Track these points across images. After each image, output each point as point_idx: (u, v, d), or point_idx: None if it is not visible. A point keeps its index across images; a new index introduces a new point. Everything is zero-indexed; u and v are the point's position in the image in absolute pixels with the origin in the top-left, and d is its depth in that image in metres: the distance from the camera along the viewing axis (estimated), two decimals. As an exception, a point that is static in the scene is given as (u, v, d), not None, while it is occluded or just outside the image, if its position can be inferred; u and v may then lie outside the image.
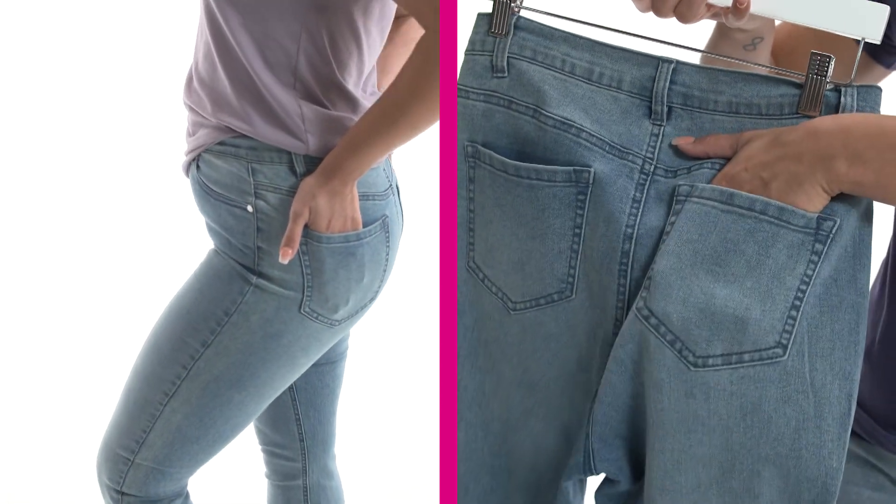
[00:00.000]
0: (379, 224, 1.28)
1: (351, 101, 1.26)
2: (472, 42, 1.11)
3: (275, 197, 1.23)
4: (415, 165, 2.45)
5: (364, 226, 1.26)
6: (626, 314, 1.03)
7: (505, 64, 1.08)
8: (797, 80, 0.98)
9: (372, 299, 1.33)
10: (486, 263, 1.12)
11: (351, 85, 1.26)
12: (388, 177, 1.32)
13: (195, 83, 1.28)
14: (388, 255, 1.31)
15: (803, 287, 0.94)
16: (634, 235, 1.01)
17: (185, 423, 1.28)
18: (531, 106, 1.06)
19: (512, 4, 1.08)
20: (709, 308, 0.95)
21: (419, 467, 2.52)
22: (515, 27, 1.08)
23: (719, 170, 1.00)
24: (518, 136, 1.08)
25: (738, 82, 1.00)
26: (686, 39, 1.11)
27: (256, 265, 1.25)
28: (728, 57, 1.11)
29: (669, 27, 1.08)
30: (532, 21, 1.09)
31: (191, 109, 1.29)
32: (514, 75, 1.08)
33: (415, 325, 2.80)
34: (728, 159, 1.00)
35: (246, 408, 1.31)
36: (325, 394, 1.53)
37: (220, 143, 1.25)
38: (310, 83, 1.23)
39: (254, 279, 1.25)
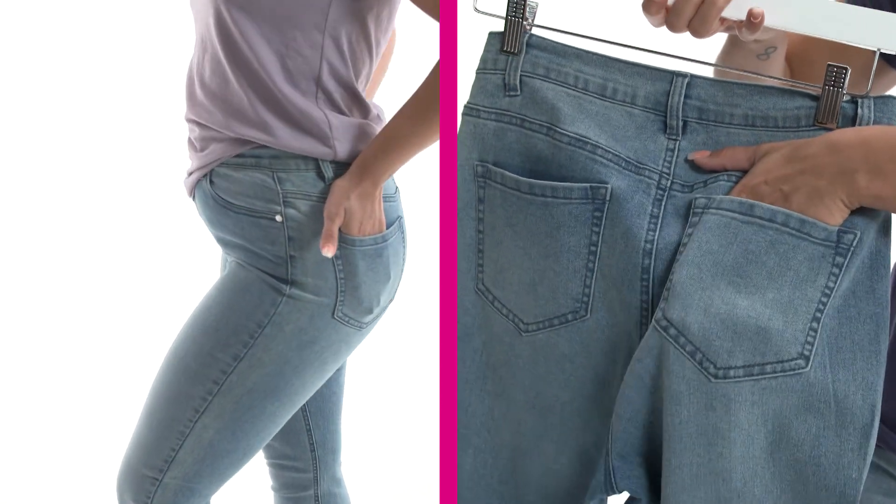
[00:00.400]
0: (396, 224, 1.31)
1: (364, 107, 1.29)
2: (483, 60, 1.10)
3: (305, 204, 1.24)
4: (415, 168, 2.46)
5: (386, 227, 1.28)
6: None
7: (517, 82, 1.08)
8: (813, 93, 0.97)
9: (391, 299, 1.34)
10: (496, 285, 1.10)
11: (362, 91, 1.29)
12: (393, 178, 1.35)
13: (202, 98, 1.27)
14: (404, 254, 1.34)
15: (824, 299, 0.93)
16: (654, 251, 1.00)
17: (217, 438, 1.27)
18: (545, 124, 1.06)
19: (524, 23, 1.08)
20: (730, 319, 0.94)
21: (419, 469, 2.51)
22: (527, 45, 1.08)
23: (736, 182, 0.99)
24: (531, 154, 1.07)
25: (753, 95, 0.99)
26: (696, 53, 1.11)
27: (289, 274, 1.25)
28: (741, 68, 1.11)
29: (680, 41, 1.07)
30: (544, 38, 1.08)
31: (199, 125, 1.29)
32: (527, 93, 1.07)
33: (415, 329, 2.79)
34: (745, 172, 0.99)
35: (277, 417, 1.31)
36: (333, 401, 1.52)
37: (238, 156, 1.25)
38: (331, 91, 1.25)
39: (286, 289, 1.24)
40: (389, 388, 2.76)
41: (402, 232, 1.33)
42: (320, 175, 1.24)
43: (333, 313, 1.26)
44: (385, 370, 2.76)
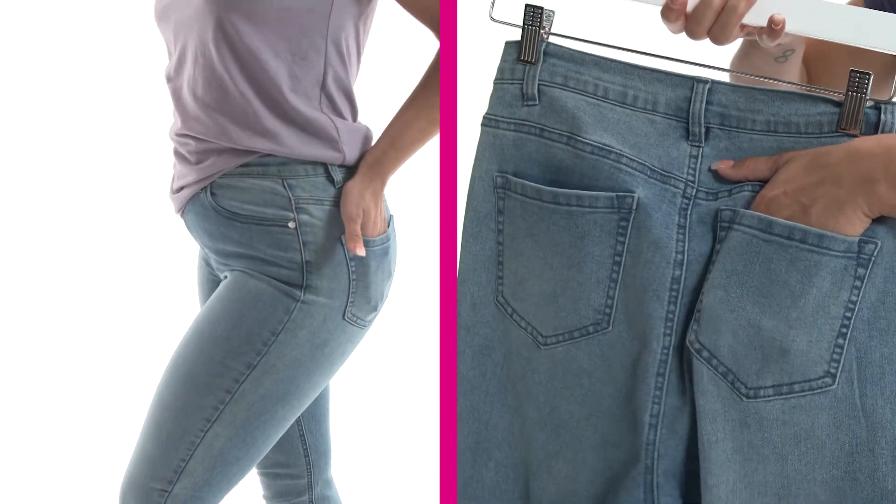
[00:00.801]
0: (391, 221, 1.33)
1: (355, 110, 1.32)
2: (500, 70, 1.10)
3: (318, 209, 1.25)
4: (415, 168, 2.45)
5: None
6: (676, 341, 1.02)
7: (536, 92, 1.07)
8: (836, 98, 0.97)
9: (388, 295, 1.38)
10: (516, 297, 1.10)
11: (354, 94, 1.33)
12: None
13: (197, 112, 1.26)
14: (397, 250, 1.37)
15: (848, 314, 0.93)
16: (684, 262, 1.00)
17: (228, 446, 1.27)
18: (565, 133, 1.05)
19: (541, 31, 1.07)
20: (757, 341, 0.95)
21: (419, 469, 2.52)
22: (545, 54, 1.07)
23: (759, 191, 0.99)
24: (551, 164, 1.06)
25: (775, 101, 0.99)
26: (712, 58, 1.10)
27: (304, 280, 1.25)
28: (759, 70, 1.11)
29: (696, 47, 1.07)
30: (561, 47, 1.08)
31: (194, 139, 1.28)
32: (546, 103, 1.07)
33: (415, 329, 2.80)
34: (767, 180, 0.99)
35: (286, 422, 1.32)
36: (322, 404, 1.52)
37: (244, 165, 1.25)
38: (333, 96, 1.27)
39: (300, 295, 1.25)
40: (389, 388, 2.76)
41: (394, 229, 1.36)
42: (330, 179, 1.25)
43: (344, 315, 1.28)
44: (385, 370, 2.76)
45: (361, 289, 1.28)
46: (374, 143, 1.30)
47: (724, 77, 1.11)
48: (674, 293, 1.01)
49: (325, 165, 1.25)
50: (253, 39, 1.21)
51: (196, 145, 1.29)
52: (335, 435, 1.55)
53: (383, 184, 1.26)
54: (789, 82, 1.04)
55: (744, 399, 0.95)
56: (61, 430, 2.66)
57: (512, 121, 1.08)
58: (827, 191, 0.92)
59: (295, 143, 1.23)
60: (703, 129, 1.01)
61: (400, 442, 2.66)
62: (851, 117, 0.96)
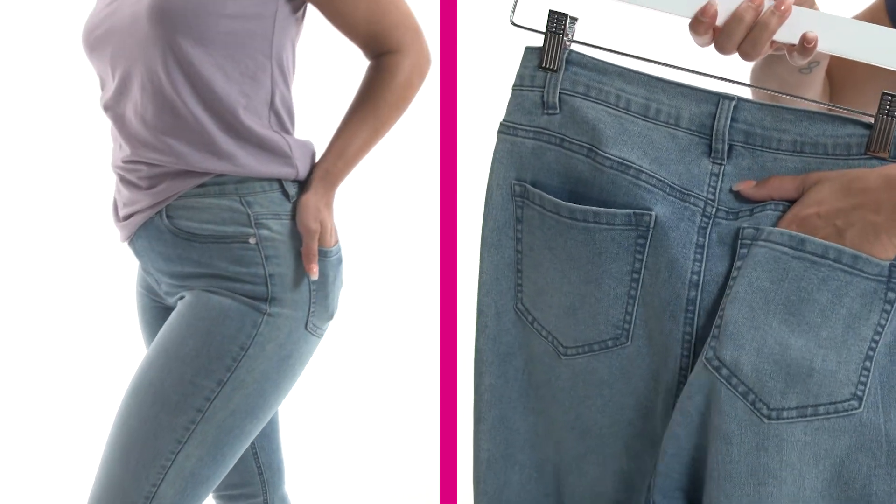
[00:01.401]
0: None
1: (294, 124, 1.36)
2: (520, 77, 1.07)
3: (277, 223, 1.29)
4: (416, 168, 2.43)
5: None
6: (692, 362, 1.00)
7: (557, 100, 1.05)
8: (866, 120, 0.95)
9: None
10: (535, 306, 1.08)
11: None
12: None
13: (148, 138, 1.27)
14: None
15: (877, 337, 0.92)
16: (700, 282, 0.98)
17: (199, 466, 1.27)
18: (585, 145, 1.03)
19: (564, 39, 1.04)
20: (784, 360, 0.92)
21: (419, 469, 2.51)
22: (567, 61, 1.05)
23: (783, 211, 0.97)
24: (571, 175, 1.04)
25: (802, 120, 0.97)
26: (736, 73, 1.08)
27: (269, 293, 1.28)
28: (782, 79, 1.08)
29: (720, 60, 1.05)
30: (584, 55, 1.05)
31: (146, 165, 1.29)
32: (567, 112, 1.04)
33: (415, 328, 2.78)
34: (791, 201, 0.97)
35: (252, 435, 1.33)
36: (273, 422, 1.53)
37: (200, 186, 1.27)
38: (281, 114, 1.31)
39: (266, 308, 1.27)
40: (389, 388, 2.74)
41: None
42: (285, 194, 1.30)
43: (306, 325, 1.31)
44: (385, 370, 2.74)
45: (321, 298, 1.32)
46: (319, 156, 1.34)
47: (747, 92, 1.08)
48: (689, 314, 0.99)
49: (279, 181, 1.29)
50: (203, 62, 1.24)
51: (148, 170, 1.29)
52: (336, 436, 1.53)
53: (333, 196, 1.32)
54: (816, 101, 1.02)
55: (764, 420, 0.93)
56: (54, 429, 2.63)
57: (531, 129, 1.06)
58: (863, 216, 0.91)
59: (251, 163, 1.27)
60: (726, 147, 0.99)
61: (400, 442, 2.64)
62: (881, 140, 0.94)
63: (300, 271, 1.29)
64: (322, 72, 2.16)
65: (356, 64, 1.40)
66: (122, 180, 1.34)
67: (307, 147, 1.34)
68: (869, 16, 1.17)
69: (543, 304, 1.07)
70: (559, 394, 1.09)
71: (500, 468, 1.13)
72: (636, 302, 1.02)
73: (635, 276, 1.01)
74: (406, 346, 2.78)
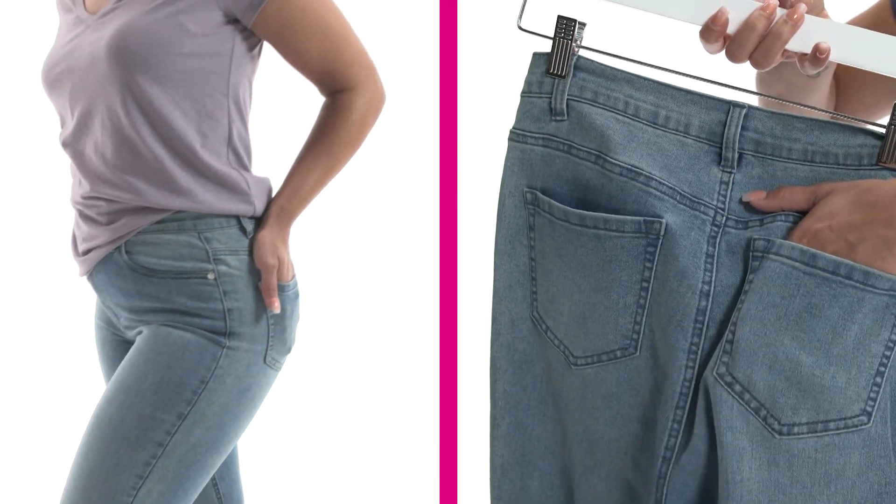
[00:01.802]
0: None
1: (251, 161, 1.38)
2: (528, 83, 1.06)
3: (234, 259, 1.30)
4: (416, 168, 2.42)
5: None
6: (697, 374, 0.99)
7: (564, 107, 1.04)
8: (878, 131, 0.94)
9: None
10: (549, 314, 1.08)
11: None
12: None
13: (108, 175, 1.28)
14: None
15: (888, 353, 0.92)
16: (711, 293, 0.97)
17: (161, 500, 1.27)
18: (593, 151, 1.02)
19: (573, 44, 1.03)
20: (795, 376, 0.92)
21: (419, 469, 2.50)
22: (575, 67, 1.04)
23: (794, 222, 0.96)
24: (580, 182, 1.03)
25: (814, 130, 0.96)
26: (742, 81, 1.07)
27: (228, 327, 1.29)
28: (789, 84, 1.08)
29: (730, 67, 1.04)
30: (592, 61, 1.04)
31: (105, 201, 1.30)
32: (575, 118, 1.03)
33: (415, 328, 2.78)
34: (802, 211, 0.96)
35: (213, 468, 1.33)
36: (233, 451, 1.53)
37: (159, 222, 1.28)
38: (238, 150, 1.33)
39: (225, 342, 1.29)
40: (389, 388, 2.74)
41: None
42: (243, 230, 1.32)
43: (265, 359, 1.33)
44: (386, 372, 2.73)
45: (279, 332, 1.33)
46: (275, 192, 1.36)
47: (755, 100, 1.08)
48: (698, 325, 0.98)
49: (237, 218, 1.31)
50: (161, 101, 1.25)
51: (107, 206, 1.30)
52: (337, 438, 1.53)
53: (289, 231, 1.34)
54: (825, 111, 1.01)
55: (776, 436, 0.93)
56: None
57: (540, 136, 1.05)
58: (876, 231, 0.90)
59: (210, 199, 1.29)
60: (736, 155, 0.98)
61: (400, 443, 2.63)
62: (893, 151, 0.93)
63: (258, 306, 1.31)
64: (280, 107, 2.17)
65: (314, 100, 1.42)
66: (82, 215, 1.35)
67: (264, 184, 1.36)
68: (873, 14, 1.16)
69: (555, 312, 1.07)
70: (571, 404, 1.09)
71: (515, 474, 1.13)
72: (645, 311, 1.01)
73: (645, 284, 1.00)
74: (406, 347, 2.77)
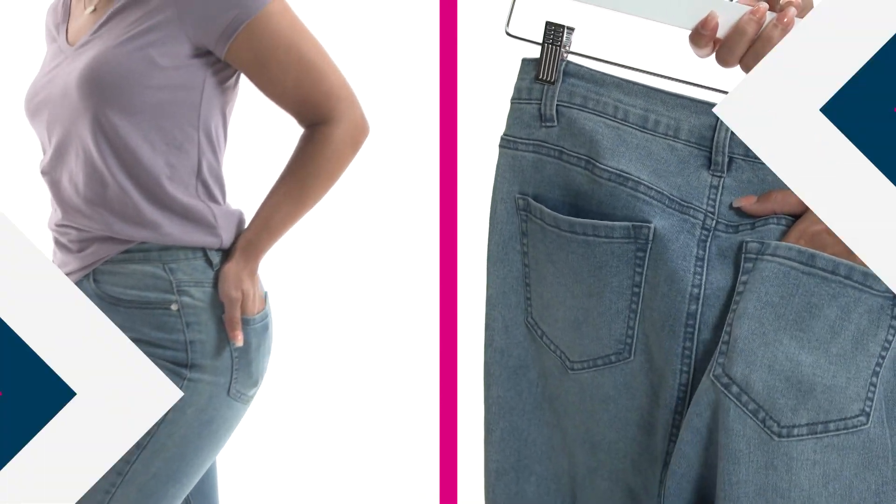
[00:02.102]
0: (266, 297, 1.37)
1: (225, 192, 1.36)
2: (517, 90, 1.06)
3: (199, 290, 1.29)
4: (416, 169, 2.42)
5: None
6: (693, 377, 0.99)
7: (554, 112, 1.04)
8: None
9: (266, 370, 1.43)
10: (543, 320, 1.08)
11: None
12: None
13: (79, 205, 1.29)
14: (273, 326, 1.41)
15: (884, 353, 0.92)
16: (701, 296, 0.97)
17: None
18: (583, 157, 1.02)
19: (562, 50, 1.03)
20: (795, 376, 0.92)
21: (419, 470, 2.50)
22: (564, 73, 1.04)
23: (786, 225, 0.96)
24: (570, 188, 1.03)
25: (803, 133, 0.96)
26: (731, 85, 1.07)
27: (189, 359, 1.29)
28: None
29: (720, 73, 1.03)
30: (581, 66, 1.04)
31: (75, 230, 1.31)
32: (564, 124, 1.03)
33: (415, 328, 2.78)
34: (795, 214, 0.96)
35: (177, 499, 1.33)
36: (210, 480, 1.53)
37: (125, 252, 1.28)
38: (208, 183, 1.32)
39: (186, 373, 1.28)
40: (389, 389, 2.74)
41: (270, 306, 1.40)
42: (209, 262, 1.30)
43: (228, 391, 1.31)
44: (386, 373, 2.74)
45: (244, 365, 1.32)
46: (246, 224, 1.35)
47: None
48: (690, 329, 0.98)
49: (203, 250, 1.30)
50: (130, 133, 1.24)
51: (77, 234, 1.31)
52: (338, 441, 1.52)
53: (258, 264, 1.32)
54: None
55: (775, 438, 0.93)
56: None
57: (531, 142, 1.05)
58: None
59: (175, 232, 1.28)
60: (726, 159, 0.98)
61: (400, 443, 2.63)
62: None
63: (222, 338, 1.30)
64: (260, 138, 2.16)
65: (294, 130, 1.39)
66: (56, 242, 1.36)
67: (234, 216, 1.35)
68: None
69: (550, 317, 1.07)
70: (570, 408, 1.09)
71: (510, 479, 1.13)
72: (637, 316, 1.01)
73: (636, 289, 1.00)
74: (406, 349, 2.78)
